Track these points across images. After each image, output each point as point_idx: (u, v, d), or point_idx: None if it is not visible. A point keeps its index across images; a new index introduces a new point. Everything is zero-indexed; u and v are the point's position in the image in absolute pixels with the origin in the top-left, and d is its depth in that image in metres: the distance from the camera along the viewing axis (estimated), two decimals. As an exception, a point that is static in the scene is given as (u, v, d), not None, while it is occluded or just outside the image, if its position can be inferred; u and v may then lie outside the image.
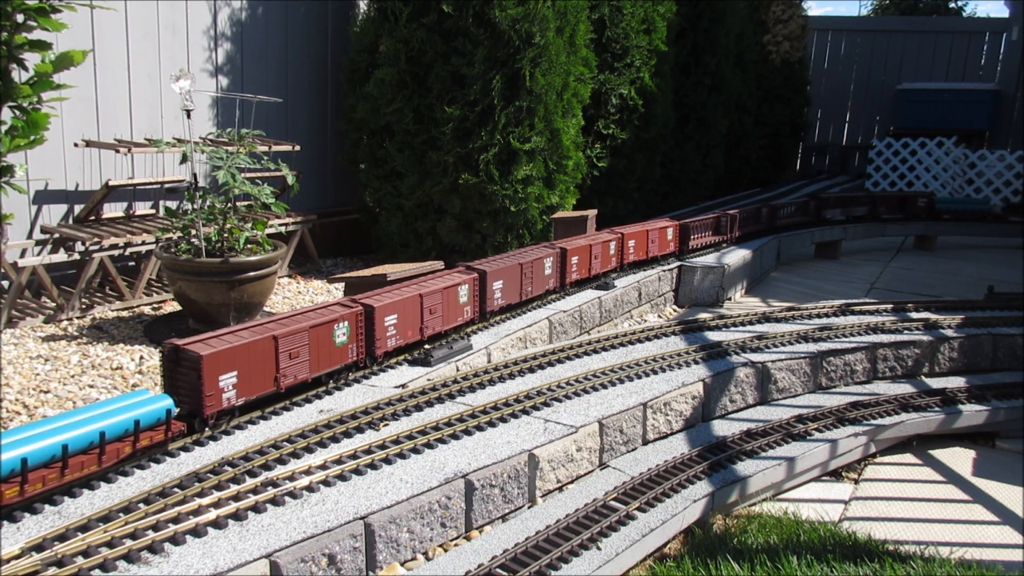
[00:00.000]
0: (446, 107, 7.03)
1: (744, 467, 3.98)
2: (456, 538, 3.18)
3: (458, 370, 4.48)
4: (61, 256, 5.70)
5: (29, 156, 5.80)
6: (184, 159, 5.50)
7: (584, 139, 8.56)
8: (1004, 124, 15.61)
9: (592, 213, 7.03)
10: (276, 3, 7.70)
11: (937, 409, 4.91)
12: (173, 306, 6.12)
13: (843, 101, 17.39)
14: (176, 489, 2.85)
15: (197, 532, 2.63)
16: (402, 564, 2.96)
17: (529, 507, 3.47)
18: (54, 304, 5.71)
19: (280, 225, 6.67)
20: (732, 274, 7.23)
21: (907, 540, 3.75)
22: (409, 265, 5.28)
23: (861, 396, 4.99)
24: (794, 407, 4.77)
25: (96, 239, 5.72)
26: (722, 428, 4.41)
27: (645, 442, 4.14)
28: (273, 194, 5.49)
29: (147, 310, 6.07)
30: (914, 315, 6.05)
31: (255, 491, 2.88)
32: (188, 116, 5.23)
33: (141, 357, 5.01)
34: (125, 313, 5.95)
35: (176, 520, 2.66)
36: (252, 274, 5.22)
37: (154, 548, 2.53)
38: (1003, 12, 16.78)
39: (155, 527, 2.62)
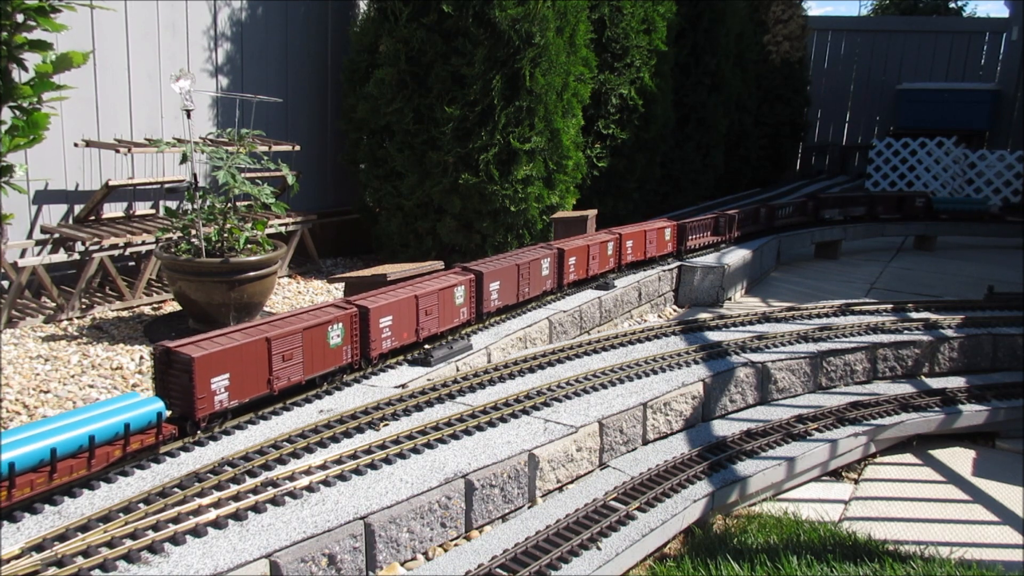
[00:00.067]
0: (446, 107, 7.03)
1: (744, 467, 3.98)
2: (456, 538, 3.18)
3: (458, 370, 4.48)
4: (61, 256, 5.70)
5: (29, 156, 5.81)
6: (184, 159, 5.50)
7: (584, 139, 8.57)
8: (1004, 124, 15.61)
9: (592, 213, 7.03)
10: (276, 3, 7.70)
11: (937, 409, 4.91)
12: (173, 306, 6.12)
13: (843, 101, 17.40)
14: (176, 489, 2.85)
15: (197, 532, 2.63)
16: (402, 564, 2.96)
17: (529, 507, 3.47)
18: (54, 304, 5.71)
19: (280, 225, 6.67)
20: (732, 274, 7.23)
21: (907, 540, 3.75)
22: (409, 265, 5.28)
23: (861, 396, 4.99)
24: (794, 407, 4.77)
25: (96, 239, 5.72)
26: (722, 428, 4.41)
27: (645, 442, 4.14)
28: (273, 194, 5.49)
29: (147, 310, 6.07)
30: (914, 315, 6.05)
31: (255, 491, 2.88)
32: (188, 116, 5.23)
33: (141, 357, 5.01)
34: (125, 313, 5.95)
35: (176, 520, 2.66)
36: (252, 274, 5.22)
37: (154, 548, 2.53)
38: (1003, 12, 16.80)
39: (155, 527, 2.62)
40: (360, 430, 3.49)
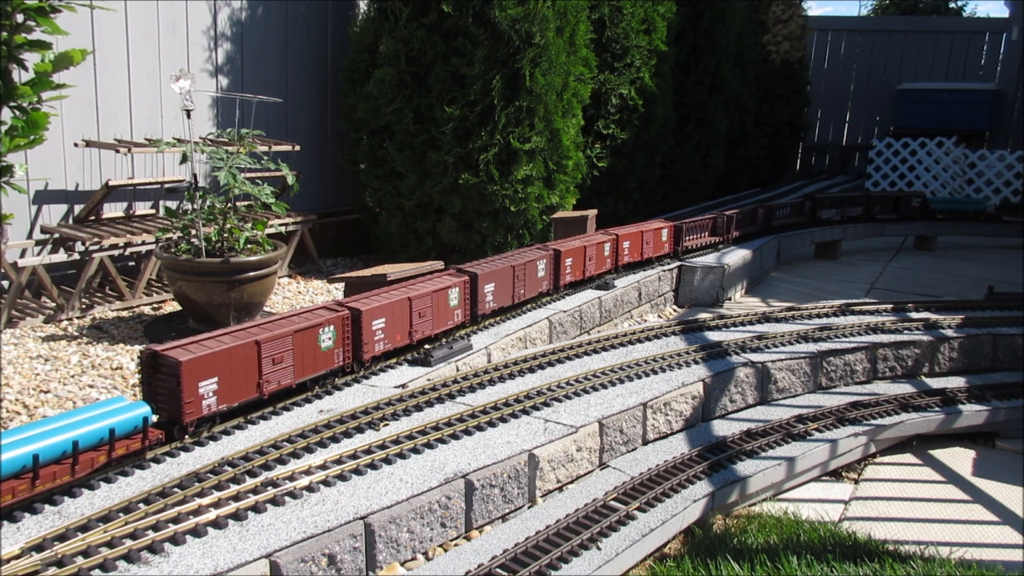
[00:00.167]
0: (446, 107, 7.03)
1: (744, 467, 3.98)
2: (456, 538, 3.18)
3: (458, 370, 4.48)
4: (61, 256, 5.70)
5: (29, 156, 5.80)
6: (184, 159, 5.50)
7: (584, 139, 8.57)
8: (1004, 124, 15.62)
9: (592, 213, 7.03)
10: (276, 3, 7.70)
11: (937, 409, 4.91)
12: (173, 306, 6.12)
13: (843, 101, 17.40)
14: (176, 489, 2.85)
15: (197, 532, 2.63)
16: (402, 564, 2.96)
17: (529, 507, 3.47)
18: (54, 304, 5.71)
19: (280, 225, 6.67)
20: (732, 274, 7.23)
21: (907, 540, 3.75)
22: (409, 265, 5.28)
23: (861, 396, 4.99)
24: (794, 407, 4.77)
25: (96, 239, 5.72)
26: (722, 428, 4.41)
27: (645, 442, 4.14)
28: (273, 194, 5.49)
29: (147, 310, 6.07)
30: (914, 315, 6.05)
31: (255, 491, 2.88)
32: (188, 116, 5.23)
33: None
34: (125, 313, 5.95)
35: (176, 520, 2.66)
36: (252, 274, 5.22)
37: (154, 548, 2.53)
38: (1003, 12, 16.81)
39: (155, 527, 2.62)
40: (360, 430, 3.49)
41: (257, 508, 2.80)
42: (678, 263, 7.14)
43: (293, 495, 2.90)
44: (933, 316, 6.00)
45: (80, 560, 2.42)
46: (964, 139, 14.06)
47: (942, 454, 4.83)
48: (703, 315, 5.85)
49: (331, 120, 8.43)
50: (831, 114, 17.53)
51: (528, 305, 5.56)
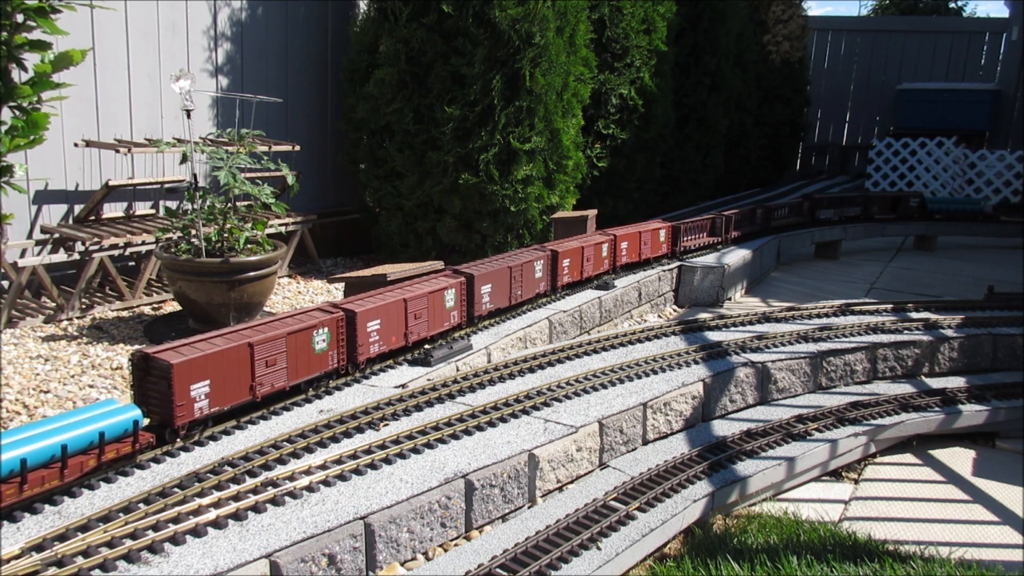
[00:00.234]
0: (446, 107, 7.03)
1: (744, 467, 3.98)
2: (456, 538, 3.18)
3: (458, 370, 4.48)
4: (61, 256, 5.70)
5: (29, 156, 5.80)
6: (184, 159, 5.50)
7: (584, 139, 8.57)
8: (1004, 124, 15.62)
9: (592, 213, 7.03)
10: (276, 3, 7.70)
11: (937, 409, 4.91)
12: (173, 306, 6.12)
13: (843, 101, 17.40)
14: (176, 489, 2.85)
15: (197, 532, 2.63)
16: (402, 564, 2.96)
17: (529, 507, 3.47)
18: (54, 304, 5.71)
19: (280, 225, 6.67)
20: (732, 274, 7.23)
21: (907, 540, 3.75)
22: (409, 265, 5.28)
23: (861, 396, 4.99)
24: (794, 407, 4.77)
25: (96, 239, 5.72)
26: (722, 428, 4.41)
27: (645, 442, 4.14)
28: (273, 194, 5.49)
29: (147, 310, 6.07)
30: (914, 315, 6.05)
31: (255, 491, 2.88)
32: (188, 116, 5.23)
33: (141, 357, 5.00)
34: (125, 313, 5.95)
35: (176, 520, 2.66)
36: (252, 274, 5.22)
37: (154, 548, 2.53)
38: (1003, 12, 16.80)
39: (155, 527, 2.62)
40: (360, 430, 3.49)
41: (257, 508, 2.80)
42: (678, 263, 7.14)
43: (293, 495, 2.90)
44: (933, 316, 6.00)
45: (80, 560, 2.42)
46: (964, 139, 14.06)
47: (942, 454, 4.83)
48: (703, 315, 5.85)
49: (331, 120, 8.43)
50: (831, 114, 17.53)
51: (526, 306, 5.54)
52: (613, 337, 5.03)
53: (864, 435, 4.54)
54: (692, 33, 10.86)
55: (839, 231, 9.54)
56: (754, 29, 13.57)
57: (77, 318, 5.72)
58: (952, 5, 21.06)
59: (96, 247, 5.74)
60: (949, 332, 5.66)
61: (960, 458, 4.78)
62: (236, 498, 2.83)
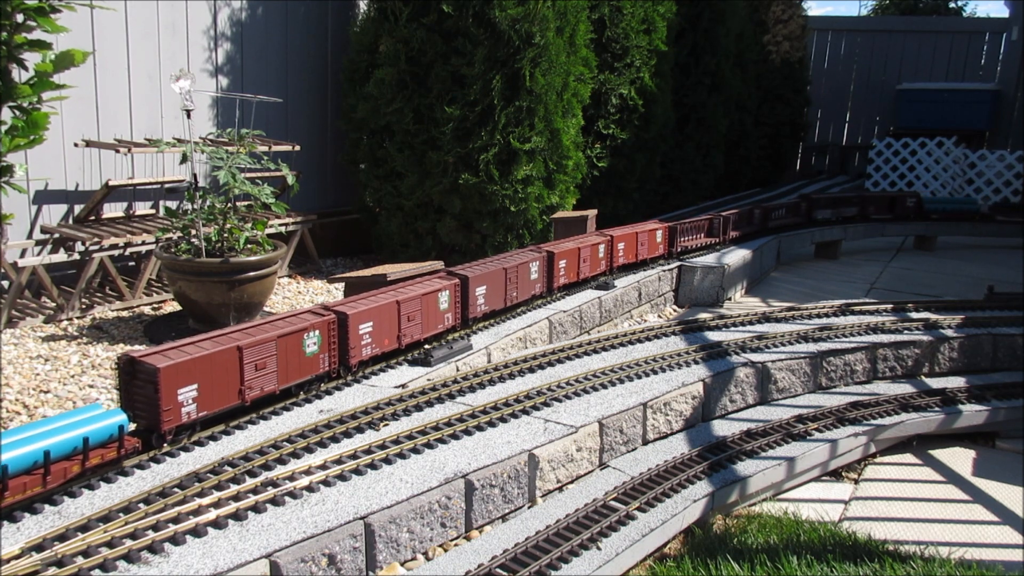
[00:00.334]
0: (446, 107, 7.03)
1: (744, 467, 3.98)
2: (456, 538, 3.18)
3: (458, 370, 4.48)
4: (61, 256, 5.70)
5: (29, 156, 5.80)
6: (184, 159, 5.50)
7: (584, 139, 8.57)
8: (1004, 124, 15.62)
9: (592, 213, 7.03)
10: (276, 3, 7.70)
11: (937, 409, 4.91)
12: (173, 306, 6.12)
13: (843, 101, 17.40)
14: (176, 489, 2.85)
15: (197, 532, 2.63)
16: (402, 564, 2.96)
17: (529, 507, 3.47)
18: (54, 304, 5.71)
19: (280, 225, 6.67)
20: (732, 274, 7.23)
21: (907, 540, 3.75)
22: (409, 265, 5.28)
23: (861, 396, 4.99)
24: (794, 407, 4.77)
25: (96, 239, 5.72)
26: (722, 428, 4.41)
27: (645, 442, 4.14)
28: (273, 194, 5.49)
29: (147, 310, 6.07)
30: (914, 315, 6.05)
31: (255, 491, 2.88)
32: (188, 116, 5.23)
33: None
34: (125, 313, 5.95)
35: (176, 520, 2.66)
36: (252, 274, 5.22)
37: (154, 548, 2.53)
38: (1003, 12, 16.80)
39: (155, 527, 2.62)
40: (360, 430, 3.49)
41: (257, 508, 2.80)
42: (678, 263, 7.14)
43: (293, 495, 2.90)
44: (933, 316, 6.00)
45: (80, 560, 2.42)
46: (964, 139, 14.06)
47: (942, 454, 4.83)
48: (703, 315, 5.85)
49: (331, 120, 8.43)
50: (831, 114, 17.53)
51: (521, 308, 5.49)
52: (613, 337, 5.03)
53: (864, 435, 4.54)
54: (692, 33, 10.86)
55: (839, 231, 9.54)
56: (754, 29, 13.57)
57: (77, 318, 5.72)
58: (952, 5, 21.06)
59: (96, 247, 5.74)
60: (949, 332, 5.66)
61: (960, 458, 4.79)
62: (236, 498, 2.83)
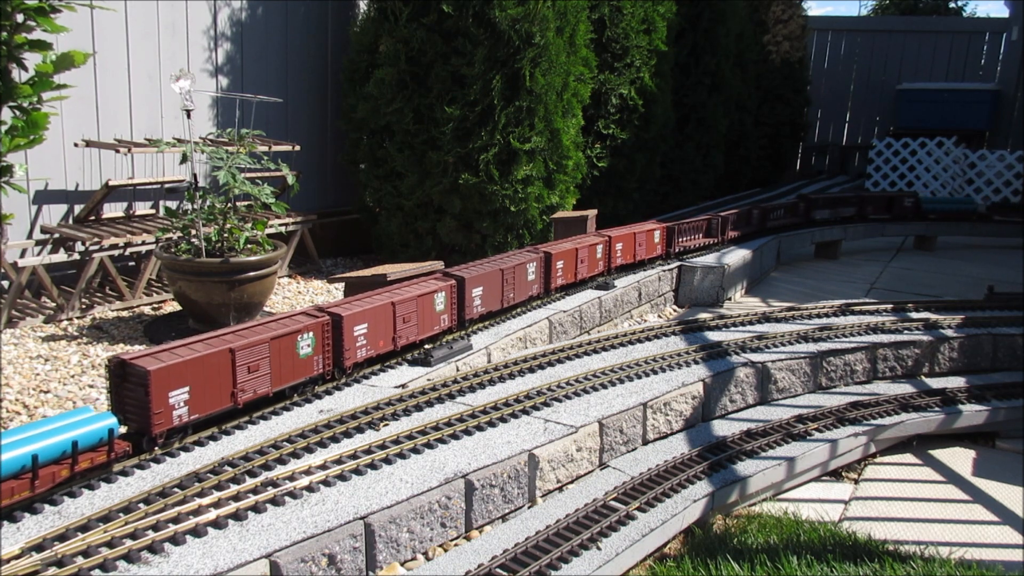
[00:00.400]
0: (446, 107, 7.03)
1: (744, 467, 3.98)
2: (456, 538, 3.18)
3: (458, 370, 4.48)
4: (61, 256, 5.70)
5: (29, 156, 5.81)
6: (184, 159, 5.50)
7: (584, 139, 8.57)
8: (1004, 124, 15.62)
9: (592, 213, 7.03)
10: (276, 3, 7.70)
11: (937, 409, 4.91)
12: (173, 306, 6.12)
13: (843, 101, 17.40)
14: (176, 489, 2.85)
15: (197, 532, 2.63)
16: (402, 564, 2.96)
17: (529, 507, 3.47)
18: (54, 304, 5.71)
19: (280, 225, 6.67)
20: (732, 274, 7.23)
21: (907, 540, 3.75)
22: (409, 265, 5.28)
23: (861, 396, 4.99)
24: (794, 407, 4.77)
25: (96, 239, 5.72)
26: (722, 428, 4.41)
27: (645, 442, 4.14)
28: (273, 194, 5.49)
29: (147, 310, 6.07)
30: (914, 315, 6.05)
31: (255, 491, 2.88)
32: (188, 116, 5.23)
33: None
34: (125, 313, 5.95)
35: (176, 520, 2.66)
36: (252, 274, 5.22)
37: (154, 548, 2.53)
38: (1003, 12, 16.81)
39: (155, 527, 2.62)
40: (360, 430, 3.49)
41: (257, 508, 2.80)
42: (678, 263, 7.14)
43: (293, 495, 2.90)
44: (933, 316, 6.00)
45: (80, 560, 2.42)
46: (964, 139, 14.06)
47: (942, 454, 4.83)
48: (703, 315, 5.85)
49: (331, 120, 8.43)
50: (831, 114, 17.53)
51: (518, 309, 5.45)
52: (613, 337, 5.03)
53: (864, 435, 4.54)
54: (692, 33, 10.86)
55: (839, 231, 9.54)
56: (754, 29, 13.57)
57: (77, 318, 5.72)
58: (952, 5, 21.06)
59: (96, 247, 5.74)
60: (949, 332, 5.66)
61: (960, 458, 4.79)
62: (236, 498, 2.83)
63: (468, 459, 3.30)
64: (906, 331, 5.63)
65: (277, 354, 3.56)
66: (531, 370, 4.40)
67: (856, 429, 4.54)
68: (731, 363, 4.71)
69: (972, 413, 4.93)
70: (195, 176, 5.46)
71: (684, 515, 3.53)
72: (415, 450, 3.33)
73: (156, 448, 3.12)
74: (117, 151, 6.17)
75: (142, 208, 6.77)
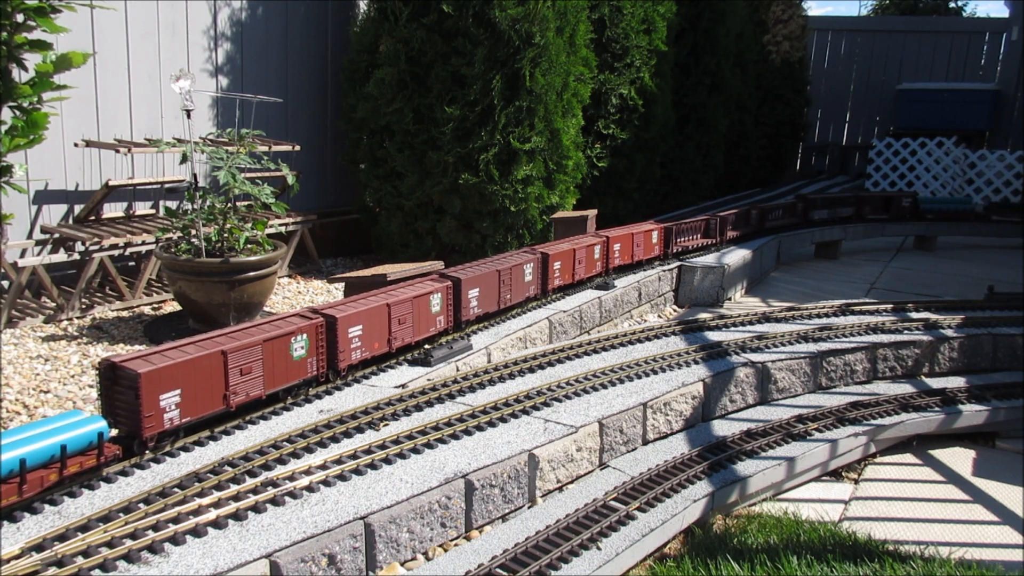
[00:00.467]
0: (446, 107, 7.03)
1: (744, 467, 3.98)
2: (456, 538, 3.18)
3: (458, 370, 4.48)
4: (61, 256, 5.70)
5: (29, 156, 5.81)
6: (184, 159, 5.50)
7: (584, 139, 8.57)
8: (1004, 124, 15.62)
9: (592, 213, 7.03)
10: (276, 3, 7.70)
11: (937, 409, 4.91)
12: (173, 306, 6.12)
13: (843, 101, 17.40)
14: (176, 489, 2.85)
15: (197, 532, 2.63)
16: (402, 564, 2.96)
17: (529, 507, 3.47)
18: (54, 304, 5.71)
19: (280, 225, 6.67)
20: (732, 274, 7.23)
21: (907, 540, 3.75)
22: (409, 265, 5.28)
23: (861, 396, 4.99)
24: (794, 407, 4.77)
25: (96, 239, 5.72)
26: (722, 428, 4.41)
27: (645, 442, 4.14)
28: (273, 194, 5.49)
29: (147, 310, 6.07)
30: (914, 315, 6.05)
31: (255, 491, 2.88)
32: (188, 116, 5.23)
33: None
34: (125, 313, 5.95)
35: (176, 520, 2.66)
36: (252, 274, 5.22)
37: (154, 548, 2.53)
38: (1003, 12, 16.81)
39: (155, 527, 2.62)
40: (360, 430, 3.49)
41: (257, 508, 2.80)
42: (678, 263, 7.13)
43: (293, 495, 2.90)
44: (933, 316, 6.00)
45: (80, 560, 2.42)
46: (964, 139, 14.07)
47: (942, 454, 4.83)
48: (703, 315, 5.85)
49: (331, 120, 8.43)
50: (831, 114, 17.53)
51: (515, 310, 5.43)
52: (613, 337, 5.03)
53: (864, 435, 4.54)
54: (692, 33, 10.86)
55: (839, 231, 9.54)
56: (754, 29, 13.57)
57: (77, 318, 5.72)
58: (952, 5, 21.06)
59: (96, 247, 5.74)
60: (949, 332, 5.66)
61: (960, 458, 4.79)
62: (236, 498, 2.83)
63: (468, 459, 3.30)
64: (906, 331, 5.63)
65: (270, 356, 3.53)
66: (531, 370, 4.40)
67: (856, 429, 4.54)
68: (731, 363, 4.71)
69: (972, 413, 4.94)
70: (195, 176, 5.46)
71: (684, 515, 3.53)
72: (415, 450, 3.33)
73: (147, 451, 3.09)
74: (117, 151, 6.17)
75: (142, 208, 6.77)
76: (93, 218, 6.27)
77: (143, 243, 6.09)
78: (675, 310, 7.07)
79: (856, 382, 5.27)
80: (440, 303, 4.60)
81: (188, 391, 3.17)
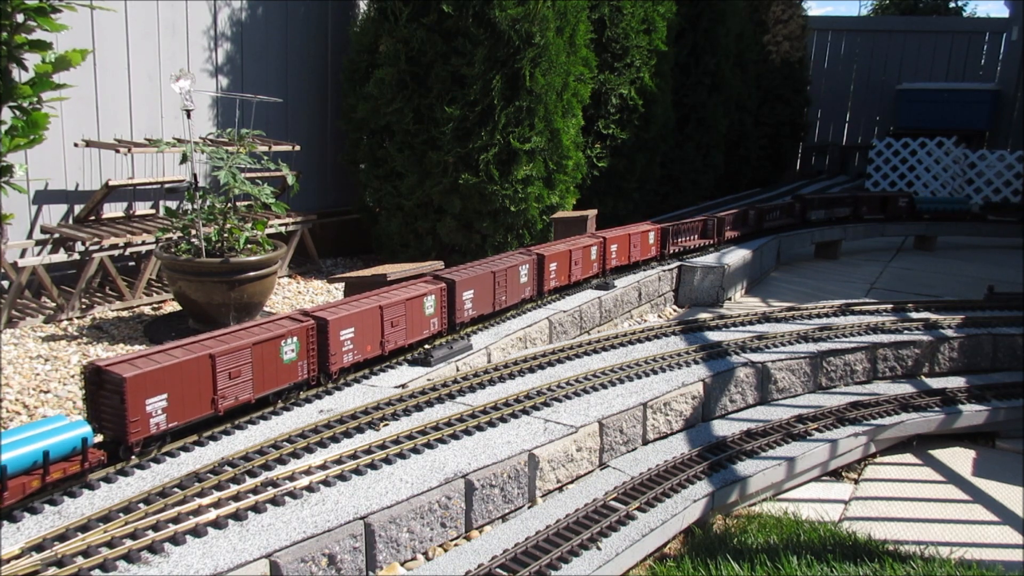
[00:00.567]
0: (446, 107, 7.03)
1: (744, 467, 3.98)
2: (456, 538, 3.18)
3: (458, 370, 4.48)
4: (61, 256, 5.70)
5: (29, 156, 5.81)
6: (184, 159, 5.50)
7: (584, 139, 8.57)
8: (1004, 124, 15.62)
9: (592, 213, 7.03)
10: (276, 3, 7.70)
11: (937, 409, 4.91)
12: (173, 306, 6.13)
13: (843, 101, 17.40)
14: (176, 489, 2.85)
15: (197, 532, 2.63)
16: (402, 564, 2.96)
17: (529, 507, 3.47)
18: (54, 304, 5.71)
19: (280, 225, 6.67)
20: (732, 274, 7.23)
21: (907, 540, 3.75)
22: (409, 265, 5.28)
23: (861, 396, 4.99)
24: (794, 407, 4.77)
25: (96, 239, 5.72)
26: (722, 428, 4.41)
27: (645, 442, 4.14)
28: (273, 194, 5.49)
29: (147, 310, 6.07)
30: (914, 315, 6.05)
31: (255, 491, 2.88)
32: (188, 116, 5.23)
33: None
34: (125, 313, 5.95)
35: (176, 520, 2.66)
36: (252, 274, 5.22)
37: (154, 548, 2.53)
38: (1003, 12, 16.81)
39: (155, 527, 2.62)
40: (360, 430, 3.49)
41: (257, 508, 2.80)
42: (678, 263, 7.13)
43: (293, 495, 2.90)
44: (933, 316, 6.00)
45: (80, 560, 2.42)
46: (964, 139, 14.07)
47: (942, 454, 4.83)
48: (703, 315, 5.85)
49: (331, 120, 8.43)
50: (831, 114, 17.53)
51: (511, 312, 5.40)
52: (613, 337, 5.03)
53: (864, 435, 4.54)
54: (692, 33, 10.86)
55: (838, 231, 9.54)
56: (754, 29, 13.58)
57: (77, 318, 5.72)
58: (952, 5, 21.06)
59: (96, 247, 5.74)
60: (949, 332, 5.66)
61: (960, 458, 4.78)
62: (236, 498, 2.83)
63: (468, 459, 3.30)
64: (906, 331, 5.63)
65: (260, 359, 3.48)
66: (531, 370, 4.40)
67: (856, 429, 4.54)
68: (731, 363, 4.71)
69: (972, 413, 4.93)
70: (195, 176, 5.46)
71: (684, 515, 3.53)
72: (415, 450, 3.33)
73: (133, 457, 3.05)
74: (117, 151, 6.17)
75: (142, 208, 6.77)
76: (93, 218, 6.27)
77: (143, 243, 6.09)
78: (675, 310, 7.07)
79: (856, 382, 5.27)
80: (434, 305, 4.56)
81: (175, 395, 3.13)
